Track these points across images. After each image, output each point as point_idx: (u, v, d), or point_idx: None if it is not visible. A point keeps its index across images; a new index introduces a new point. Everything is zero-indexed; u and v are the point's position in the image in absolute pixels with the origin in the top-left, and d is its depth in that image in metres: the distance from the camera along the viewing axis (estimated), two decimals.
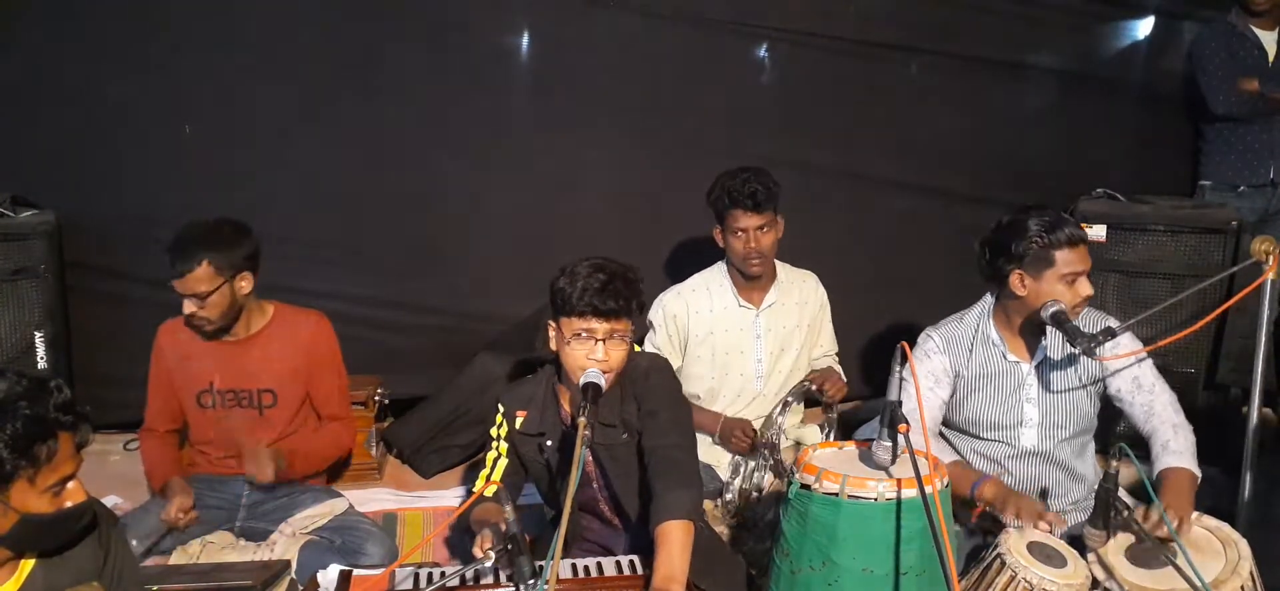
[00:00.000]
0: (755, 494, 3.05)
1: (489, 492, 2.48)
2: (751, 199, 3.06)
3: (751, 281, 3.21)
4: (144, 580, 2.10)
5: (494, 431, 2.54)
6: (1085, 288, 2.53)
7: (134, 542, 2.75)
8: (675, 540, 2.15)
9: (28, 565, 1.82)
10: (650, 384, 2.42)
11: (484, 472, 2.53)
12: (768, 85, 4.14)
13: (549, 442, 2.47)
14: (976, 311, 2.72)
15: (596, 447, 2.45)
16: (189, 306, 2.79)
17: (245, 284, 2.88)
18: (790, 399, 3.11)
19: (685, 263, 3.60)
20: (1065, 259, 2.51)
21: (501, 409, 2.54)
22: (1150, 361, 2.60)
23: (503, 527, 2.10)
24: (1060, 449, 2.67)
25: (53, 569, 1.84)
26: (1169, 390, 2.58)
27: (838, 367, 3.35)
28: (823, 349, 3.38)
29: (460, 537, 3.11)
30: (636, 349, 2.55)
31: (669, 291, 3.26)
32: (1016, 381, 2.66)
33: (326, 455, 3.09)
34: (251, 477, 2.86)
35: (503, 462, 2.52)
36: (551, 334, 2.39)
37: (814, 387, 3.15)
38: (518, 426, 2.50)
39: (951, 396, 2.71)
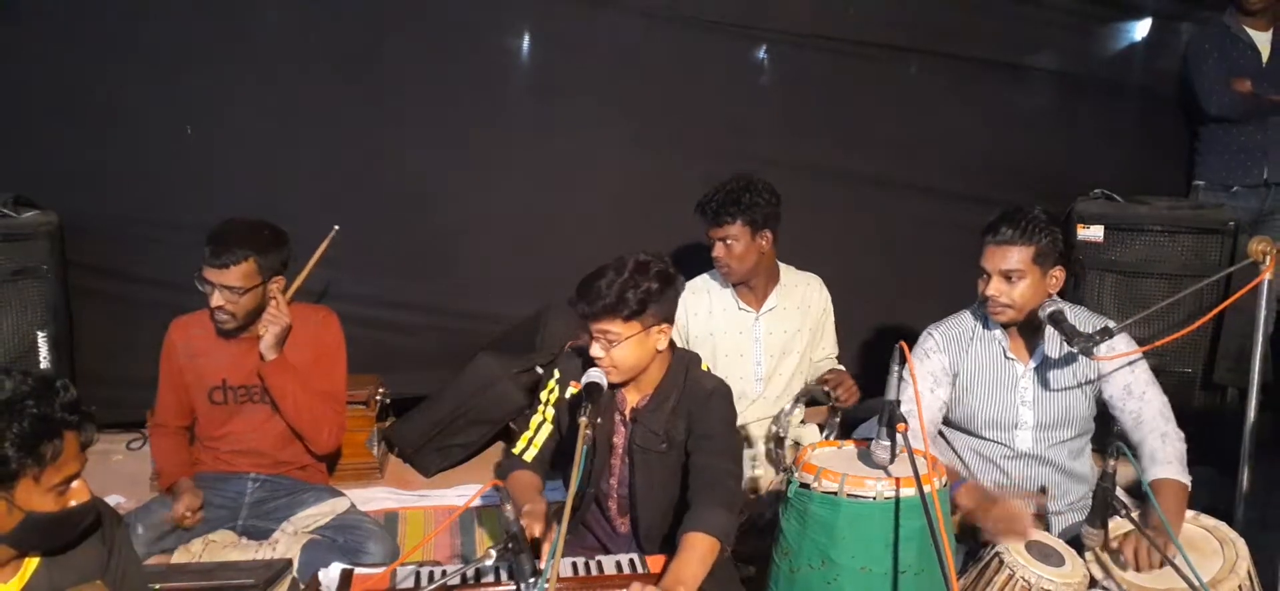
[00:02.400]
0: (752, 494, 3.06)
1: (528, 457, 2.50)
2: (711, 210, 3.08)
3: (747, 285, 3.22)
4: (147, 579, 2.10)
5: (544, 394, 2.55)
6: (989, 286, 2.54)
7: (140, 530, 2.77)
8: (698, 550, 2.15)
9: (32, 564, 1.83)
10: (710, 407, 2.41)
11: (526, 435, 2.54)
12: (768, 85, 4.14)
13: (598, 420, 2.44)
14: (975, 308, 2.73)
15: (634, 448, 2.46)
16: (218, 299, 2.80)
17: (274, 288, 2.91)
18: (804, 396, 3.12)
19: (686, 264, 3.58)
20: (981, 251, 2.57)
21: (557, 374, 2.54)
22: (1144, 365, 2.59)
23: (503, 526, 2.12)
24: (1056, 451, 2.68)
25: (57, 568, 1.85)
26: (1161, 396, 2.56)
27: (841, 368, 3.35)
28: (824, 351, 3.38)
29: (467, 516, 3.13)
30: (705, 368, 2.54)
31: None
32: (1012, 381, 2.67)
33: (310, 406, 2.97)
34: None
35: (547, 428, 2.53)
36: None
37: (826, 390, 3.16)
38: (567, 395, 2.51)
39: (950, 394, 2.72)
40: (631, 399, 2.47)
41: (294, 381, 2.95)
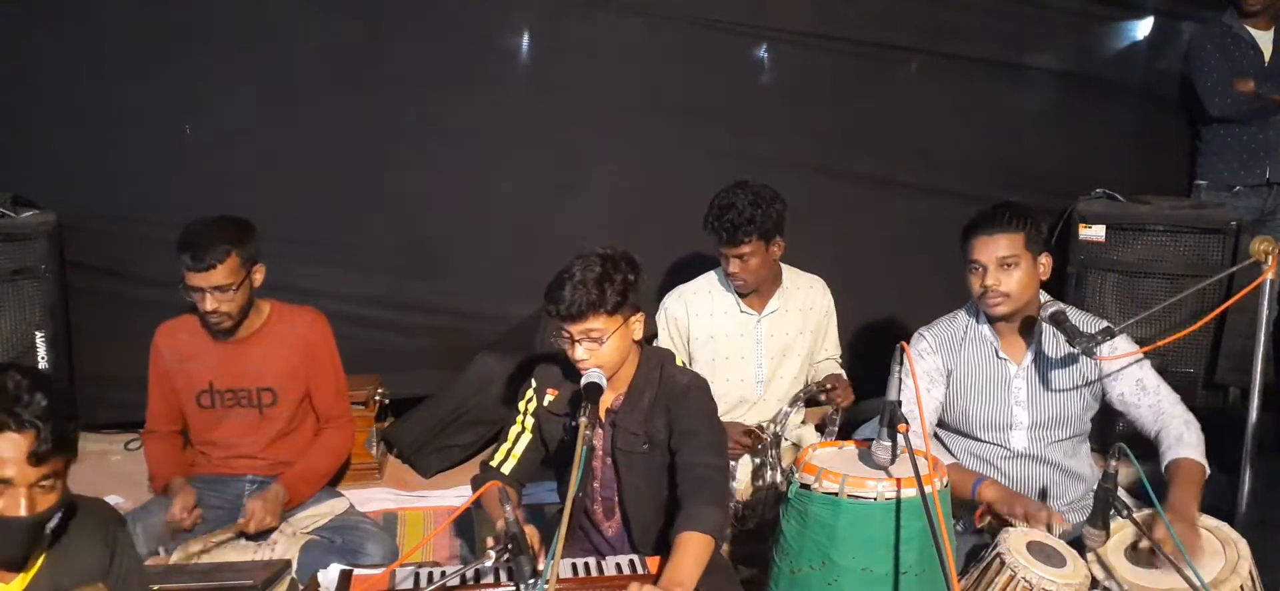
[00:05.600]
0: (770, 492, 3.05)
1: (506, 469, 2.49)
2: (727, 232, 3.03)
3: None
4: (148, 581, 2.09)
5: (521, 403, 2.54)
6: (986, 277, 2.52)
7: (139, 530, 2.75)
8: (692, 549, 2.15)
9: (34, 567, 1.81)
10: (689, 402, 2.39)
11: (504, 447, 2.53)
12: (768, 85, 4.14)
13: (574, 425, 2.41)
14: (967, 309, 2.73)
15: (617, 452, 2.44)
16: (211, 302, 2.78)
17: (259, 276, 2.90)
18: (802, 396, 3.12)
19: (686, 263, 3.61)
20: (969, 248, 2.55)
21: (534, 382, 2.53)
22: (1148, 362, 2.59)
23: (502, 526, 2.11)
24: (1052, 450, 2.67)
25: (59, 569, 1.83)
26: (1172, 391, 2.57)
27: (841, 372, 3.34)
28: (827, 352, 3.38)
29: (466, 517, 3.15)
30: (680, 362, 2.53)
31: (671, 293, 3.26)
32: (1005, 381, 2.66)
33: (328, 470, 3.06)
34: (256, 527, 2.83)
35: (527, 438, 2.52)
36: None
37: (823, 394, 3.15)
38: (546, 403, 2.50)
39: (945, 394, 2.71)
40: (606, 400, 2.43)
41: (303, 485, 2.95)
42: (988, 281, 2.53)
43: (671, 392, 2.41)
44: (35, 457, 1.67)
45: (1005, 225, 2.52)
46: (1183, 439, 2.45)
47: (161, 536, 2.79)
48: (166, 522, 2.80)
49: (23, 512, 1.68)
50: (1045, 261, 2.58)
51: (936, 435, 2.78)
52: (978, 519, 2.53)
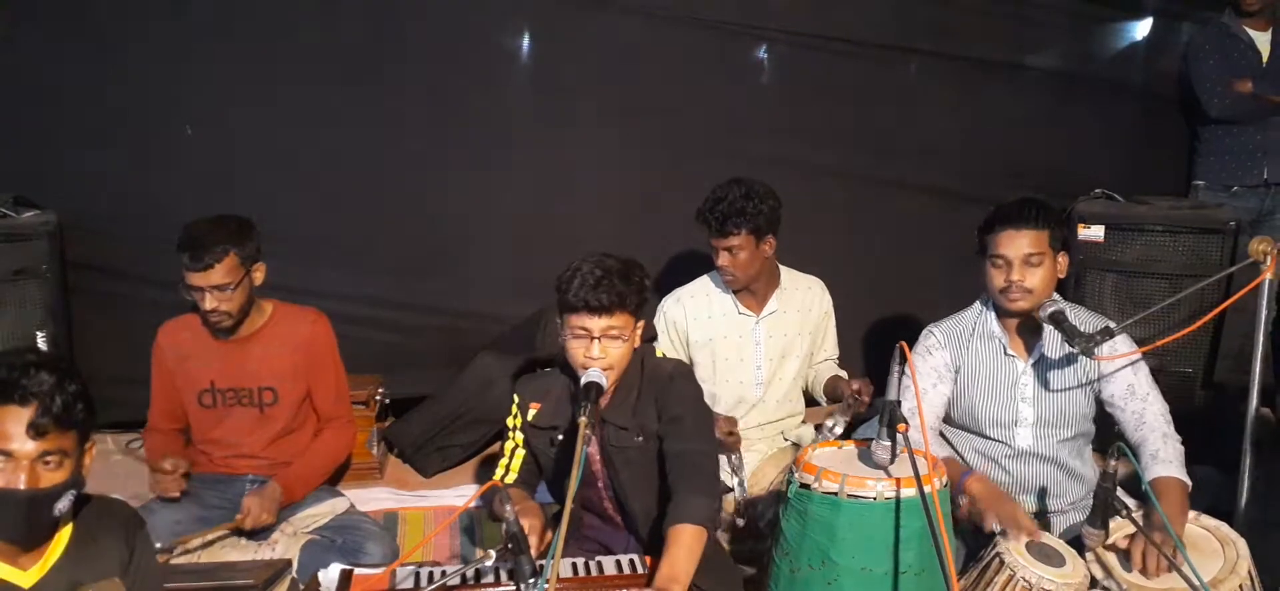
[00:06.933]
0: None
1: (509, 479, 2.50)
2: (716, 221, 3.04)
3: (748, 289, 3.20)
4: (162, 582, 2.09)
5: (509, 421, 2.55)
6: (1011, 272, 2.52)
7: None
8: (684, 542, 2.15)
9: (52, 556, 1.82)
10: (674, 389, 2.41)
11: (502, 462, 2.54)
12: (768, 85, 4.14)
13: (561, 437, 2.46)
14: (977, 305, 2.74)
15: (609, 448, 2.45)
16: (210, 301, 2.79)
17: (259, 275, 2.90)
18: (842, 409, 3.11)
19: (685, 264, 3.61)
20: (993, 242, 2.55)
21: (516, 399, 2.54)
22: (1145, 368, 2.60)
23: (504, 526, 2.11)
24: (1057, 449, 2.68)
25: (79, 561, 1.84)
26: (1162, 401, 2.57)
27: (841, 372, 3.34)
28: (826, 353, 3.38)
29: (470, 522, 3.15)
30: (660, 353, 2.55)
31: (669, 296, 3.26)
32: (1012, 378, 2.67)
33: (325, 469, 3.06)
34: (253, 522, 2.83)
35: (520, 453, 2.53)
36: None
37: (854, 394, 3.14)
38: (530, 418, 2.51)
39: (953, 390, 2.72)
40: None
41: (299, 484, 2.95)
42: (1013, 277, 2.54)
43: (656, 381, 2.43)
44: (35, 429, 1.68)
45: (1033, 222, 2.52)
46: (1159, 455, 2.45)
47: (160, 534, 2.79)
48: (151, 473, 2.78)
49: (22, 485, 1.69)
50: (1062, 260, 2.60)
51: (942, 432, 2.78)
52: (963, 511, 2.51)
